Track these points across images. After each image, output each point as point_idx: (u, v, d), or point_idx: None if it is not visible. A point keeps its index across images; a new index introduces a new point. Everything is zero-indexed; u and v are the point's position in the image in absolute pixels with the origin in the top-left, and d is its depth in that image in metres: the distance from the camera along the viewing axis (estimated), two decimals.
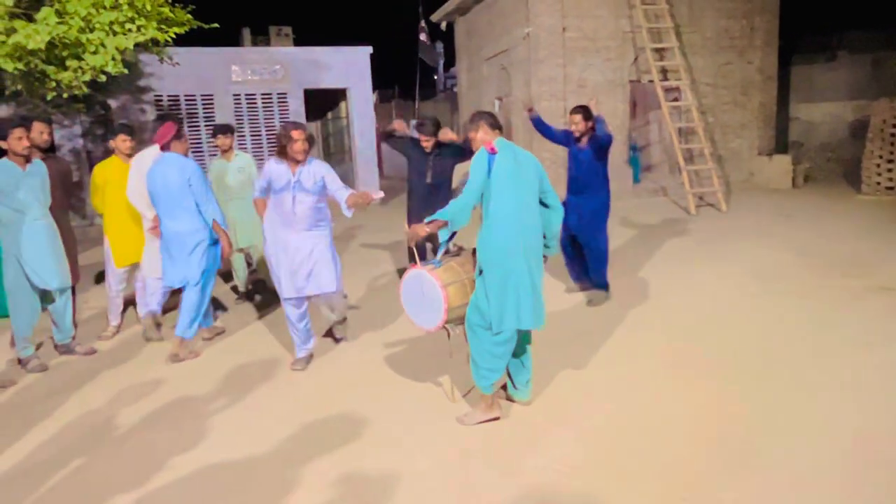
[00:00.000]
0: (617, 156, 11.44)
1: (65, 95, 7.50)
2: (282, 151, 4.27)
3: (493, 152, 3.39)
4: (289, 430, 3.58)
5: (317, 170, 4.33)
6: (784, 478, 2.91)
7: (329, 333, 5.02)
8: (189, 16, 7.84)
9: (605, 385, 4.00)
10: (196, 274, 4.65)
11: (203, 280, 4.70)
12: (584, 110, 5.50)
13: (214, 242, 4.75)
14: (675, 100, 11.99)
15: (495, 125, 3.57)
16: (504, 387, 3.78)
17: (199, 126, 12.75)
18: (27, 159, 4.43)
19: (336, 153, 16.82)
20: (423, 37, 16.13)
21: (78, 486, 3.15)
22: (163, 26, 7.49)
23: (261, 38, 14.95)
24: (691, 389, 3.85)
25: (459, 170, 6.23)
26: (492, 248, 3.38)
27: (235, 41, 15.12)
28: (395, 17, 45.83)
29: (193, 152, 11.69)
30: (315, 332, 4.73)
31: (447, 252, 3.68)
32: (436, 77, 26.91)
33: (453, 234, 3.55)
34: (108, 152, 5.71)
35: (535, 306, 3.43)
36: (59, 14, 6.62)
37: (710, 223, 9.37)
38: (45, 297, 4.66)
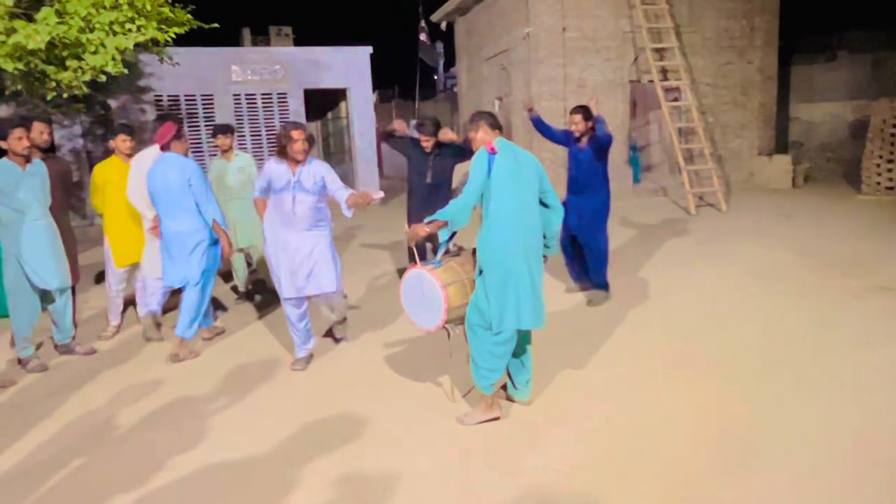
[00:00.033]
0: (617, 156, 11.44)
1: (65, 95, 7.50)
2: (282, 151, 4.27)
3: (493, 152, 3.39)
4: (289, 430, 3.58)
5: (317, 170, 4.33)
6: (784, 478, 2.91)
7: (329, 333, 5.02)
8: (189, 16, 7.84)
9: (605, 385, 4.00)
10: (196, 274, 4.65)
11: (203, 280, 4.70)
12: (584, 110, 5.51)
13: (214, 242, 4.75)
14: (675, 100, 11.99)
15: (495, 125, 3.57)
16: (504, 387, 3.78)
17: (198, 126, 12.75)
18: (27, 159, 4.43)
19: (336, 153, 16.82)
20: (423, 37, 16.13)
21: (78, 486, 3.15)
22: (163, 26, 7.49)
23: (261, 38, 14.96)
24: (691, 389, 3.85)
25: (459, 170, 6.23)
26: (492, 248, 3.38)
27: (235, 41, 15.12)
28: (395, 17, 45.87)
29: (193, 152, 11.68)
30: (315, 333, 4.73)
31: (447, 252, 3.69)
32: (436, 77, 26.91)
33: (453, 234, 3.55)
34: (108, 152, 5.71)
35: (535, 306, 3.43)
36: (59, 14, 6.62)
37: (710, 223, 9.37)
38: (45, 297, 4.66)
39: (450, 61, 24.21)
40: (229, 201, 5.83)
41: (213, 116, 12.76)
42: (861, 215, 9.16)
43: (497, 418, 3.54)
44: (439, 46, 23.40)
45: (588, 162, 5.55)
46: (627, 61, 12.14)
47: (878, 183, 10.65)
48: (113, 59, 7.00)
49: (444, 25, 16.65)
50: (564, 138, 5.71)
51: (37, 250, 4.43)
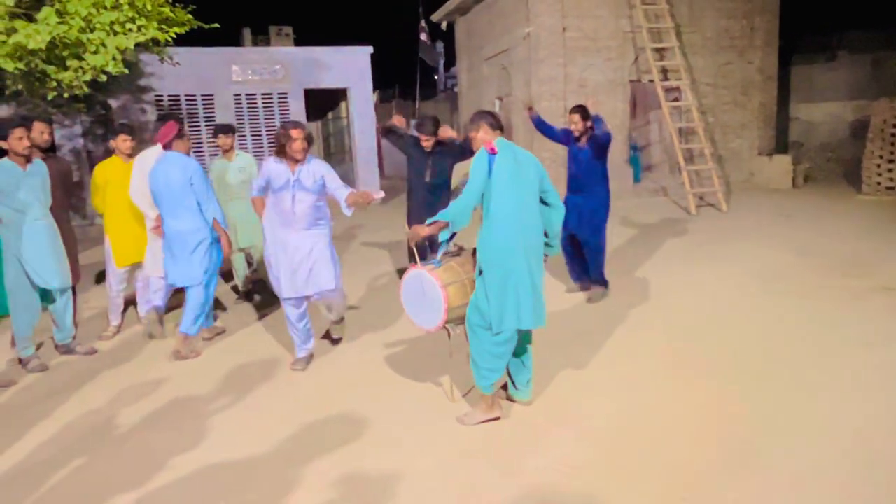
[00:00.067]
0: (617, 155, 11.45)
1: (65, 95, 7.50)
2: (281, 150, 4.27)
3: (493, 152, 3.39)
4: (289, 430, 3.58)
5: (316, 169, 4.33)
6: (784, 478, 2.91)
7: (327, 335, 5.00)
8: (189, 16, 7.84)
9: (606, 385, 4.00)
10: (199, 273, 4.66)
11: (207, 279, 4.72)
12: (583, 110, 5.52)
13: (216, 241, 4.76)
14: (676, 100, 11.98)
15: (496, 125, 3.56)
16: (504, 387, 3.78)
17: (199, 126, 12.75)
18: (28, 159, 4.44)
19: (336, 153, 16.82)
20: (423, 36, 16.12)
21: (78, 486, 3.15)
22: (163, 26, 7.49)
23: (261, 37, 14.95)
24: (691, 389, 3.85)
25: (459, 169, 6.24)
26: (492, 249, 3.38)
27: (236, 41, 15.12)
28: (395, 17, 45.86)
29: (194, 152, 11.67)
30: (315, 333, 4.73)
31: (447, 252, 3.69)
32: (436, 77, 26.92)
33: (453, 234, 3.55)
34: (109, 152, 5.71)
35: (535, 306, 3.43)
36: (59, 14, 6.61)
37: (711, 223, 9.37)
38: (46, 296, 4.66)
39: (450, 61, 24.21)
40: (230, 201, 5.84)
41: (213, 116, 12.75)
42: (861, 215, 9.16)
43: (497, 418, 3.54)
44: (440, 46, 23.40)
45: (587, 161, 5.56)
46: (628, 61, 12.14)
47: (879, 183, 10.65)
48: (113, 58, 7.00)
49: (444, 25, 16.65)
50: (565, 137, 5.72)
51: (37, 250, 4.44)
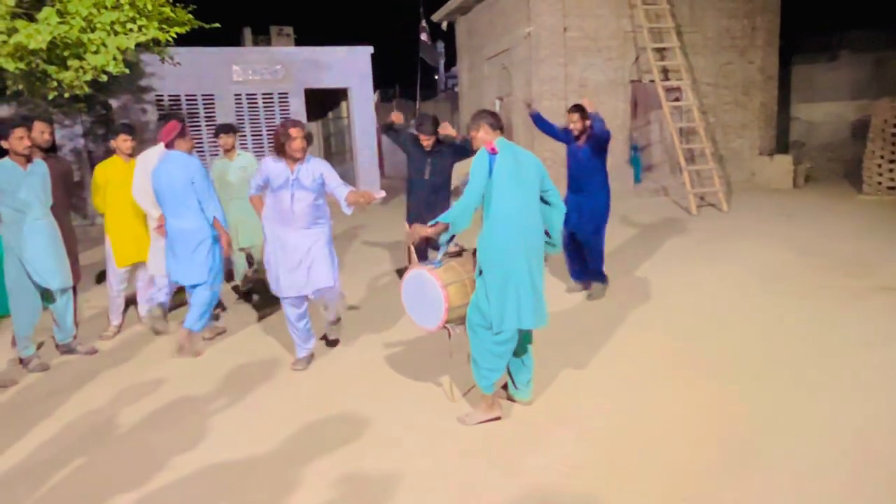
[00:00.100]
0: (618, 155, 11.46)
1: (66, 95, 7.50)
2: (280, 149, 4.26)
3: (493, 153, 3.39)
4: (289, 430, 3.58)
5: (315, 167, 4.33)
6: (784, 478, 2.91)
7: (324, 337, 4.94)
8: (190, 16, 7.85)
9: (606, 385, 4.00)
10: (203, 273, 4.66)
11: (212, 278, 4.72)
12: (581, 109, 5.53)
13: (218, 240, 4.77)
14: (677, 100, 11.98)
15: (496, 125, 3.56)
16: (505, 386, 3.78)
17: (200, 126, 12.76)
18: (28, 159, 4.44)
19: (337, 153, 16.83)
20: (423, 36, 16.09)
21: (79, 485, 3.15)
22: (164, 26, 7.50)
23: (262, 37, 14.96)
24: (691, 389, 3.85)
25: (459, 169, 6.23)
26: (492, 249, 3.38)
27: (236, 41, 15.13)
28: (395, 17, 45.92)
29: (194, 152, 11.69)
30: (314, 333, 4.72)
31: (448, 252, 3.69)
32: (437, 77, 26.92)
33: (453, 234, 3.55)
34: (110, 152, 5.71)
35: (535, 306, 3.43)
36: (60, 14, 6.62)
37: (711, 223, 9.36)
38: (47, 296, 4.66)
39: (451, 61, 24.21)
40: (231, 200, 5.84)
41: (214, 116, 12.76)
42: (862, 215, 9.15)
43: (498, 418, 3.54)
44: (440, 46, 23.40)
45: (587, 160, 5.57)
46: (628, 61, 12.13)
47: (880, 183, 10.64)
48: (114, 58, 7.01)
49: (445, 25, 16.64)
50: (565, 135, 5.74)
51: (38, 250, 4.44)
